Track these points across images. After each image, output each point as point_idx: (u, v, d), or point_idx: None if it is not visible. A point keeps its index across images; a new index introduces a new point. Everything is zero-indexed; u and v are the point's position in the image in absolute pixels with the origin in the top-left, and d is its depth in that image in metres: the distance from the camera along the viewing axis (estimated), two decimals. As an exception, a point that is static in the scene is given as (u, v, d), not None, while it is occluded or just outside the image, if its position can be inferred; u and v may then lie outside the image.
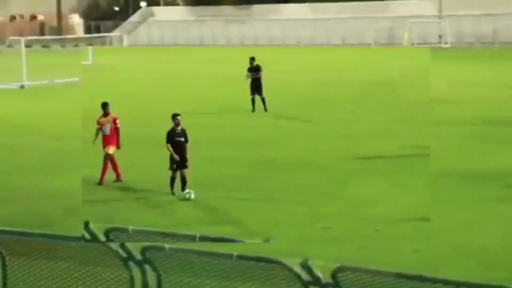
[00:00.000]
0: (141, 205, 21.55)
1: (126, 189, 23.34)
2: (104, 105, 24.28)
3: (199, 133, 27.78)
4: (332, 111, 38.22)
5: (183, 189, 21.78)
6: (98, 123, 24.10)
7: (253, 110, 36.71)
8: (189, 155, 22.23)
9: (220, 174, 24.61)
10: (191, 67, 68.42)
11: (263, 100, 36.70)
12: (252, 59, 37.22)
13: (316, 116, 36.50)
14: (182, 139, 22.03)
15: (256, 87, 36.64)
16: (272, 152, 28.19)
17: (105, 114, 24.15)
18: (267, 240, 9.03)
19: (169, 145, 22.02)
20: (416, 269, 15.74)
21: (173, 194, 21.91)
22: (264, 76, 37.10)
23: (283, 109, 38.66)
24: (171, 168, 21.99)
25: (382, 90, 47.60)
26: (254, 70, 36.88)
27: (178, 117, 22.21)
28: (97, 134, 24.12)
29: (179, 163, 21.86)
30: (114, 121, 24.04)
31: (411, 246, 17.91)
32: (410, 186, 22.58)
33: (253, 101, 36.64)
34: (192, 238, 9.41)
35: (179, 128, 22.15)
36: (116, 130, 23.97)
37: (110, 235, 9.84)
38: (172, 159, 21.94)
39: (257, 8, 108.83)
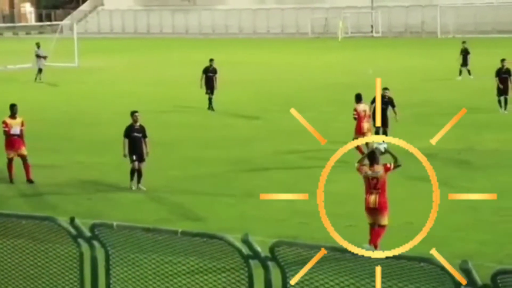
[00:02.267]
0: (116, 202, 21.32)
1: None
2: (12, 107, 23.14)
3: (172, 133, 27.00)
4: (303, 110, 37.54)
5: (138, 181, 21.95)
6: (6, 124, 22.95)
7: (209, 108, 36.05)
8: (148, 149, 22.06)
9: (200, 172, 24.09)
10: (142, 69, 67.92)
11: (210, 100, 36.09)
12: (211, 60, 36.88)
13: (285, 115, 36.15)
14: (140, 135, 21.98)
15: (211, 86, 36.13)
16: (247, 150, 27.38)
17: (13, 115, 22.98)
18: (245, 235, 8.98)
19: (126, 140, 21.97)
20: (350, 242, 15.88)
21: (131, 187, 21.93)
22: (219, 78, 36.52)
23: (241, 107, 38.36)
24: (130, 161, 21.94)
25: (346, 90, 47.68)
26: (211, 72, 36.44)
27: (136, 114, 22.18)
28: (5, 135, 23.06)
29: (137, 157, 21.82)
30: (22, 123, 22.98)
31: (345, 222, 18.08)
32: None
33: (209, 100, 36.14)
34: (174, 233, 9.34)
35: (138, 124, 22.10)
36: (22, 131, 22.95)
37: (95, 230, 9.69)
38: (129, 152, 21.86)
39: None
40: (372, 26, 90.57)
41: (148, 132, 22.25)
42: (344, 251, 8.66)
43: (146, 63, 62.08)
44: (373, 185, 15.67)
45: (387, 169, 15.77)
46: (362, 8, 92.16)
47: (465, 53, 45.51)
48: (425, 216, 18.48)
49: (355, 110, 25.16)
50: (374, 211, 15.69)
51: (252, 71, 52.59)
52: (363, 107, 25.04)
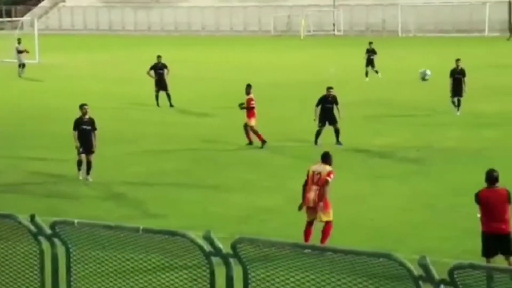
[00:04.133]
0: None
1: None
2: None
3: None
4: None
5: (88, 172, 22.26)
6: None
7: (158, 105, 36.09)
8: (96, 142, 22.28)
9: (162, 169, 23.94)
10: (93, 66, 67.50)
11: (168, 96, 36.09)
12: (159, 57, 36.82)
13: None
14: (89, 127, 22.23)
15: (160, 83, 36.10)
16: (209, 147, 27.26)
17: None
18: (207, 232, 8.98)
19: (75, 133, 22.24)
20: (312, 240, 15.99)
21: (79, 177, 22.07)
22: (170, 73, 36.46)
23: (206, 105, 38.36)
24: (78, 153, 22.20)
25: (308, 88, 47.66)
26: (160, 68, 36.41)
27: (85, 107, 22.50)
28: None
29: (85, 149, 22.11)
30: None
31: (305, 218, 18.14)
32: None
33: (156, 97, 36.14)
34: (135, 231, 9.31)
35: (87, 117, 22.37)
36: None
37: (56, 228, 9.64)
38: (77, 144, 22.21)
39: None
40: (334, 25, 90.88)
41: (97, 125, 22.45)
42: (305, 247, 8.72)
43: (108, 60, 61.76)
44: (315, 180, 15.71)
45: (330, 173, 15.81)
46: (324, 6, 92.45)
47: (371, 53, 45.11)
48: (386, 213, 18.65)
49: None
50: (313, 210, 15.71)
51: (214, 68, 52.53)
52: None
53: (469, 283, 7.86)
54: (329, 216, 15.74)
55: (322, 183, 15.67)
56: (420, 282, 7.94)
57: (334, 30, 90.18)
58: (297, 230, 16.85)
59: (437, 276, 7.94)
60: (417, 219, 18.20)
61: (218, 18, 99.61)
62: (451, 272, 7.87)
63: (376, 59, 45.26)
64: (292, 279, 8.65)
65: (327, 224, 15.74)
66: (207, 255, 8.96)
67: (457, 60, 32.26)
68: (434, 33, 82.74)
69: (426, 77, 22.52)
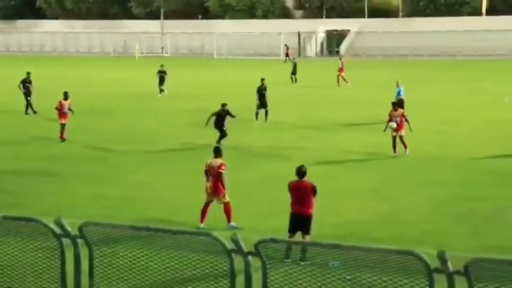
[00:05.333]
0: None
1: None
2: None
3: None
4: (111, 117, 36.80)
5: None
6: None
7: (26, 113, 35.05)
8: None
9: (21, 168, 22.92)
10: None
11: (31, 105, 35.24)
12: (28, 73, 36.22)
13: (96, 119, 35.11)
14: None
15: (29, 93, 35.31)
16: (62, 148, 26.40)
17: None
18: (58, 218, 8.63)
19: None
20: (145, 222, 15.77)
21: None
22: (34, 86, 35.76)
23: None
24: None
25: (141, 99, 47.01)
26: (28, 82, 35.71)
27: None
28: None
29: None
30: None
31: (143, 205, 17.94)
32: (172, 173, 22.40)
33: (28, 106, 35.27)
34: None
35: None
36: None
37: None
38: None
39: (21, 22, 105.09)
40: (162, 48, 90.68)
41: None
42: (140, 229, 8.59)
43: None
44: (210, 172, 15.80)
45: (221, 165, 15.78)
46: (154, 33, 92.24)
47: (162, 74, 43.33)
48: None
49: None
50: (211, 195, 15.83)
51: (63, 83, 51.07)
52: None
53: (271, 255, 7.95)
54: (225, 198, 15.80)
55: (215, 174, 15.69)
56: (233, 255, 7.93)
57: (162, 52, 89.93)
58: (136, 213, 16.66)
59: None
60: (234, 202, 18.31)
61: (66, 42, 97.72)
62: (256, 245, 7.93)
63: (167, 78, 43.33)
64: (129, 254, 8.51)
65: (226, 204, 15.81)
66: (58, 237, 8.67)
67: (262, 79, 32.43)
68: (242, 56, 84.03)
69: (394, 127, 22.98)
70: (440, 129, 29.80)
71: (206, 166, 15.99)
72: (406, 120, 24.08)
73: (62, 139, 27.43)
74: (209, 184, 15.82)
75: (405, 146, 23.92)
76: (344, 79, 48.49)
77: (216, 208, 15.93)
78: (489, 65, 66.94)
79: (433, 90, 45.22)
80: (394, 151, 23.88)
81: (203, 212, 15.92)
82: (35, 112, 35.03)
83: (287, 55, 74.57)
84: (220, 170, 15.75)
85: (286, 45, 78.66)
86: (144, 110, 36.99)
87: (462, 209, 17.38)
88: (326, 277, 7.52)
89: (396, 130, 23.85)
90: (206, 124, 25.57)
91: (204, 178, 16.07)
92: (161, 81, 43.28)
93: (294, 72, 51.14)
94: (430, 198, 18.52)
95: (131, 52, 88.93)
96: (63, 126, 27.60)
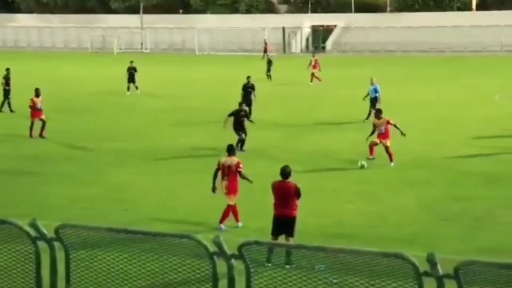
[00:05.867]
0: None
1: None
2: None
3: None
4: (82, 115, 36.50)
5: None
6: None
7: (1, 110, 35.06)
8: None
9: None
10: None
11: (9, 103, 35.13)
12: (7, 69, 36.31)
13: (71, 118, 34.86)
14: None
15: (7, 92, 35.34)
16: (35, 147, 26.21)
17: None
18: (33, 220, 8.59)
19: None
20: (125, 224, 15.74)
21: None
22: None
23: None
24: None
25: (120, 96, 46.79)
26: (9, 78, 35.67)
27: None
28: None
29: None
30: None
31: (122, 206, 17.88)
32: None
33: (3, 103, 35.23)
34: None
35: None
36: None
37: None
38: None
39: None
40: (142, 44, 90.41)
41: None
42: (118, 231, 8.56)
43: None
44: (226, 171, 15.76)
45: (238, 164, 15.82)
46: (134, 28, 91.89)
47: (132, 70, 42.94)
48: (190, 201, 18.60)
49: None
50: (225, 195, 15.82)
51: (38, 79, 50.78)
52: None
53: (255, 258, 7.94)
54: (231, 201, 15.79)
55: (233, 173, 15.70)
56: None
57: (142, 48, 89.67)
58: (115, 216, 16.61)
59: (227, 252, 7.95)
60: (212, 204, 18.29)
61: (41, 37, 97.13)
62: (239, 248, 7.91)
63: (137, 75, 42.97)
64: (107, 257, 8.47)
65: (229, 207, 15.80)
66: (33, 240, 8.61)
67: (248, 77, 32.02)
68: (224, 52, 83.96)
69: (364, 166, 21.92)
70: (429, 128, 29.93)
71: (219, 165, 15.93)
72: (395, 126, 22.92)
73: (31, 136, 27.50)
74: (224, 184, 15.81)
75: (391, 157, 22.47)
76: (317, 77, 47.74)
77: (215, 207, 15.89)
78: (480, 62, 67.36)
79: (422, 87, 45.42)
80: (371, 153, 22.89)
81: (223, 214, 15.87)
82: (12, 111, 34.79)
83: (265, 51, 74.33)
84: (239, 169, 15.80)
85: (264, 40, 78.56)
86: (123, 108, 36.87)
87: (451, 210, 17.47)
88: (312, 281, 7.52)
89: (380, 139, 22.68)
90: (224, 126, 24.24)
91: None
92: (131, 78, 42.77)
93: (269, 69, 50.56)
94: (419, 199, 18.60)
95: (109, 47, 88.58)
96: (43, 122, 27.55)
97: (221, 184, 15.87)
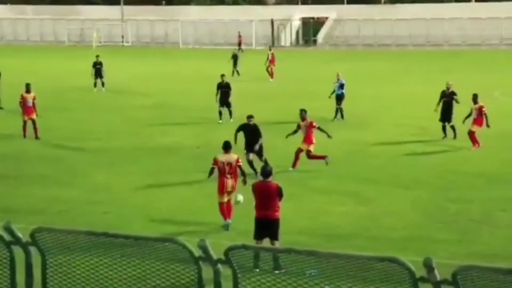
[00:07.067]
0: None
1: None
2: None
3: None
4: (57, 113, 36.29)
5: None
6: None
7: None
8: None
9: None
10: None
11: None
12: None
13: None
14: None
15: None
16: (13, 146, 26.22)
17: None
18: (7, 223, 8.57)
19: None
20: (105, 227, 15.71)
21: None
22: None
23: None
24: None
25: (96, 93, 46.63)
26: None
27: None
28: None
29: None
30: None
31: (102, 209, 17.86)
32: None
33: None
34: None
35: None
36: None
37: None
38: None
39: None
40: (123, 37, 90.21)
41: None
42: (98, 235, 8.54)
43: None
44: (227, 169, 15.92)
45: (238, 160, 16.08)
46: (114, 20, 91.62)
47: (98, 66, 42.50)
48: (171, 202, 18.60)
49: None
50: (230, 193, 16.01)
51: (11, 74, 50.60)
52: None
53: (242, 262, 7.94)
54: (233, 198, 16.11)
55: (234, 170, 15.94)
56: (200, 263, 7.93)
57: (123, 41, 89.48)
58: (95, 219, 16.57)
59: (214, 256, 7.96)
60: (196, 205, 18.33)
61: (15, 29, 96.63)
62: (226, 252, 7.92)
63: (104, 71, 42.66)
64: (87, 263, 8.46)
65: (228, 202, 16.08)
66: (7, 244, 8.59)
67: (222, 75, 31.60)
68: (210, 46, 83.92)
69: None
70: (425, 125, 30.02)
71: (217, 163, 16.05)
72: (319, 129, 21.72)
73: (25, 136, 27.13)
74: (228, 182, 15.96)
75: (295, 163, 21.63)
76: (270, 73, 47.42)
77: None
78: (478, 56, 67.65)
79: (418, 82, 45.57)
80: (294, 165, 21.82)
81: (227, 210, 16.04)
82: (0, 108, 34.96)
83: (239, 44, 73.82)
84: (239, 163, 16.04)
85: (239, 32, 78.11)
86: (102, 105, 36.82)
87: (448, 213, 17.55)
88: (303, 287, 7.54)
89: (303, 143, 21.81)
90: (235, 141, 21.49)
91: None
92: (98, 74, 42.46)
93: (235, 64, 49.92)
94: (413, 201, 18.66)
95: (88, 41, 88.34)
96: (33, 122, 27.12)
97: (222, 183, 16.00)
